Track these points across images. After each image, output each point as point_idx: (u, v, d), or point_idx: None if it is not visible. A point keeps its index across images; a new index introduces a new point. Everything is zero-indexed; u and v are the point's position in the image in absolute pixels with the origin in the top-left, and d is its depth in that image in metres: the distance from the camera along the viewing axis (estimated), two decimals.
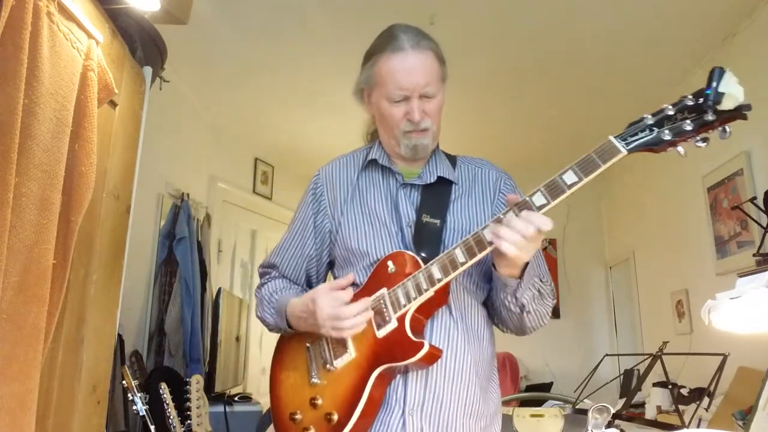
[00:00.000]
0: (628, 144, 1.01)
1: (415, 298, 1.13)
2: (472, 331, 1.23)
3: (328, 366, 1.20)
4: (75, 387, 1.47)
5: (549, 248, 5.42)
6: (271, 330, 1.36)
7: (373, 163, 1.33)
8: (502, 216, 1.08)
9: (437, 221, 1.24)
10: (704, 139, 0.98)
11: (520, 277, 1.14)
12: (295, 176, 5.33)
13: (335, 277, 1.37)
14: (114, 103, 1.63)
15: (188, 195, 3.63)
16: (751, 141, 2.90)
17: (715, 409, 2.44)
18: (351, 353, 1.18)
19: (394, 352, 1.13)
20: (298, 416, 1.21)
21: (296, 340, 1.29)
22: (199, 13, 2.48)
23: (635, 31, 3.09)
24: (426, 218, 1.24)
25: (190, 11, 1.98)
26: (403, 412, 1.16)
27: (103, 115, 1.53)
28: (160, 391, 2.25)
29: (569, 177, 1.03)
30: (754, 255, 2.48)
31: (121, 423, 2.46)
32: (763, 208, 2.55)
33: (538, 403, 3.01)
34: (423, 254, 1.18)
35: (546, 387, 4.75)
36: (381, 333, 1.15)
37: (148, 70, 1.87)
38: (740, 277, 1.76)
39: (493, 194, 1.31)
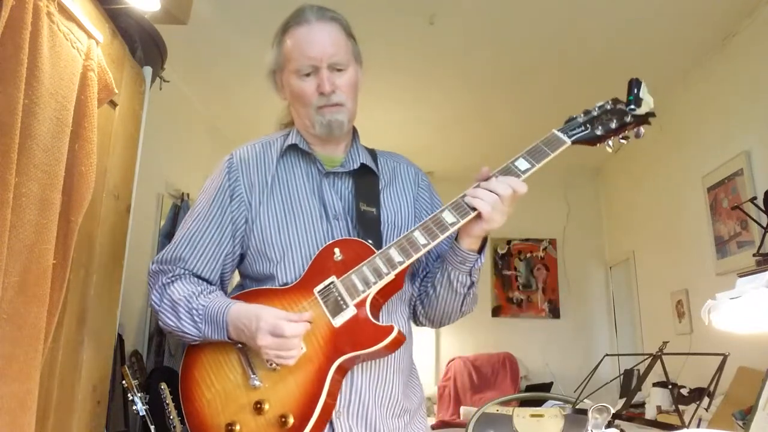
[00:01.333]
0: (570, 136, 1.17)
1: (375, 283, 1.08)
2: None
3: (270, 364, 1.08)
4: (75, 387, 1.47)
5: (549, 248, 5.42)
6: (183, 339, 1.17)
7: (293, 148, 1.25)
8: (459, 199, 1.12)
9: (373, 210, 1.21)
10: (625, 138, 1.18)
11: (479, 252, 1.16)
12: None
13: (241, 275, 1.27)
14: (114, 103, 1.63)
15: (188, 195, 3.63)
16: (751, 141, 2.90)
17: (715, 409, 2.45)
18: (301, 347, 1.07)
19: (357, 339, 1.06)
20: (238, 427, 1.06)
21: (215, 343, 1.14)
22: (199, 13, 2.48)
23: (635, 31, 3.09)
24: (363, 206, 1.20)
25: (190, 11, 1.98)
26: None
27: (103, 115, 1.53)
28: (160, 391, 2.25)
29: (522, 164, 1.14)
30: (754, 255, 2.48)
31: (121, 423, 2.46)
32: (763, 208, 2.55)
33: (538, 403, 3.01)
34: (370, 241, 1.14)
35: (546, 387, 4.75)
36: (338, 321, 1.07)
37: (148, 70, 1.87)
38: (740, 277, 1.76)
39: (413, 188, 1.33)
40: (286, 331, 1.02)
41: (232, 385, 1.11)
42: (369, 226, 1.18)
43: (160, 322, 1.19)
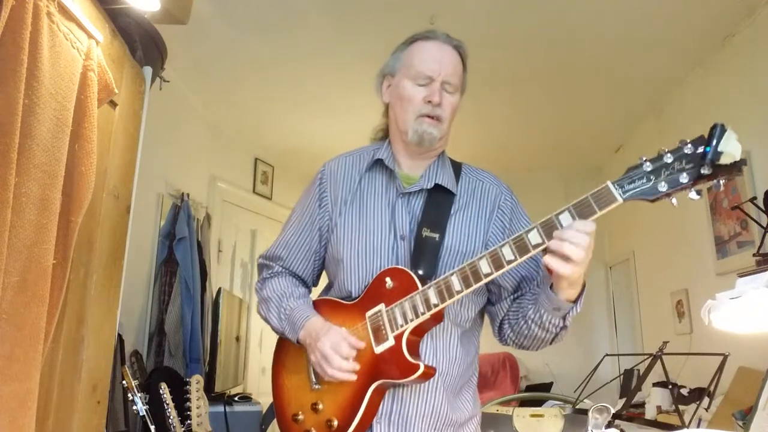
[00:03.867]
0: (624, 192, 1.04)
1: (412, 320, 1.15)
2: (441, 350, 1.24)
3: None
4: (75, 387, 1.47)
5: None
6: (273, 331, 1.37)
7: (379, 163, 1.33)
8: (498, 249, 1.08)
9: (436, 236, 1.24)
10: (698, 192, 1.00)
11: (575, 301, 1.13)
12: (295, 176, 5.32)
13: (330, 276, 1.39)
14: (114, 103, 1.63)
15: (188, 195, 3.63)
16: (751, 141, 2.90)
17: (715, 409, 2.44)
18: (353, 373, 1.21)
19: (391, 369, 1.16)
20: (300, 417, 1.26)
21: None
22: (199, 13, 2.48)
23: (635, 32, 3.09)
24: (426, 232, 1.24)
25: (190, 11, 1.98)
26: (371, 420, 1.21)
27: (103, 115, 1.53)
28: (160, 391, 2.25)
29: (565, 218, 1.05)
30: (754, 255, 2.48)
31: (121, 423, 2.46)
32: (763, 208, 2.55)
33: (538, 403, 3.01)
34: (420, 272, 1.19)
35: (546, 387, 4.75)
36: (379, 349, 1.18)
37: (148, 70, 1.87)
38: (740, 277, 1.76)
39: (491, 210, 1.30)
40: (333, 362, 1.17)
41: (300, 383, 1.29)
42: (427, 252, 1.22)
43: (258, 310, 1.39)
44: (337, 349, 1.17)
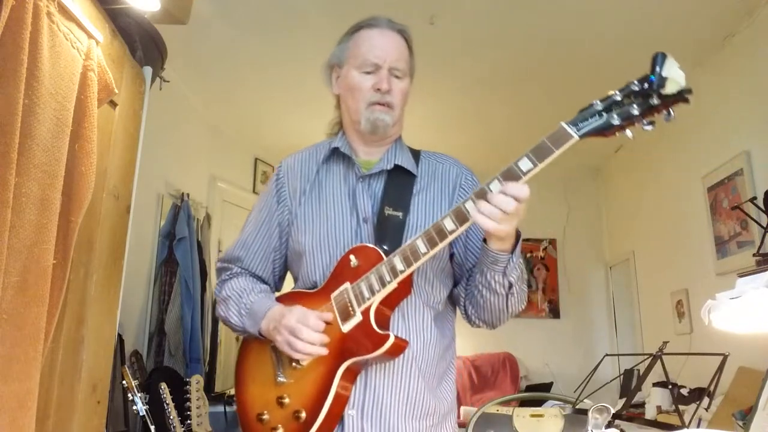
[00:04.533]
0: (579, 129, 1.05)
1: (378, 291, 1.12)
2: (415, 330, 1.21)
3: (294, 364, 1.19)
4: (75, 387, 1.47)
5: (549, 248, 5.42)
6: (232, 329, 1.31)
7: (335, 152, 1.32)
8: (461, 205, 1.08)
9: (399, 214, 1.22)
10: (650, 122, 1.03)
11: (512, 252, 1.13)
12: None
13: (293, 273, 1.36)
14: (114, 103, 1.63)
15: (188, 195, 3.63)
16: (751, 141, 2.90)
17: (715, 409, 2.45)
18: (324, 350, 1.16)
19: (360, 345, 1.12)
20: (266, 416, 1.19)
21: (260, 341, 1.26)
22: (199, 13, 2.48)
23: (635, 32, 3.09)
24: (389, 211, 1.23)
25: (190, 11, 1.98)
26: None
27: (103, 115, 1.53)
28: (160, 391, 2.26)
29: (524, 164, 1.05)
30: (754, 255, 2.48)
31: (121, 423, 2.46)
32: (763, 208, 2.55)
33: (538, 403, 3.01)
34: (385, 247, 1.16)
35: (546, 387, 4.75)
36: (346, 327, 1.14)
37: (148, 70, 1.87)
38: (740, 277, 1.76)
39: (452, 189, 1.30)
40: (302, 333, 1.12)
41: (264, 379, 1.23)
42: (391, 230, 1.20)
43: (217, 313, 1.35)
44: (304, 321, 1.13)
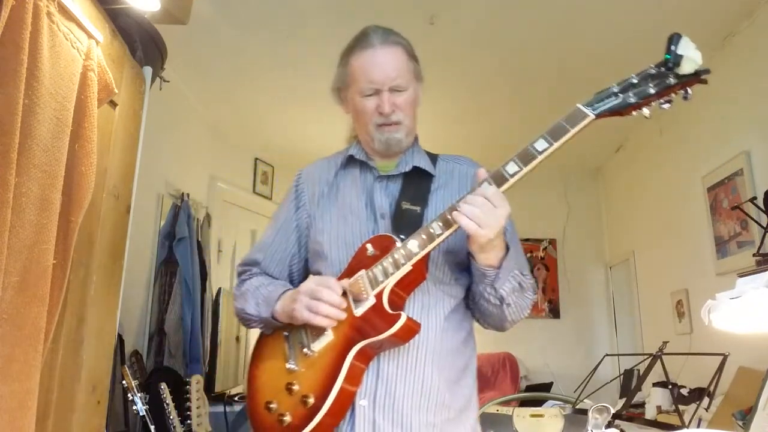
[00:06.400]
0: (595, 109, 1.06)
1: (392, 274, 1.13)
2: (430, 321, 1.21)
3: (305, 350, 1.18)
4: (75, 387, 1.47)
5: (549, 248, 5.42)
6: (248, 324, 1.33)
7: (352, 159, 1.35)
8: (476, 187, 1.10)
9: (417, 208, 1.25)
10: (668, 101, 1.04)
11: (498, 267, 1.15)
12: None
13: (314, 274, 1.37)
14: (114, 103, 1.63)
15: (188, 195, 3.63)
16: (751, 141, 2.90)
17: (715, 409, 2.45)
18: (329, 335, 1.16)
19: (372, 327, 1.12)
20: (274, 405, 1.18)
21: (275, 333, 1.28)
22: (199, 13, 2.48)
23: (635, 32, 3.09)
24: (406, 205, 1.25)
25: (190, 11, 1.98)
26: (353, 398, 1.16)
27: (103, 115, 1.53)
28: (160, 391, 2.25)
29: (540, 144, 1.07)
30: (754, 255, 2.48)
31: (121, 423, 2.46)
32: (763, 208, 2.55)
33: (538, 403, 3.01)
34: (402, 237, 1.17)
35: (546, 387, 4.75)
36: (359, 311, 1.14)
37: (148, 70, 1.87)
38: (740, 277, 1.76)
39: (471, 187, 1.32)
40: (323, 295, 1.12)
41: (275, 369, 1.23)
42: (408, 223, 1.22)
43: (234, 309, 1.37)
44: (325, 283, 1.14)
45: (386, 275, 1.13)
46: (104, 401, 1.65)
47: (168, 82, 2.30)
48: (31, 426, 1.13)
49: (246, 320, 1.32)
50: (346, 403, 1.13)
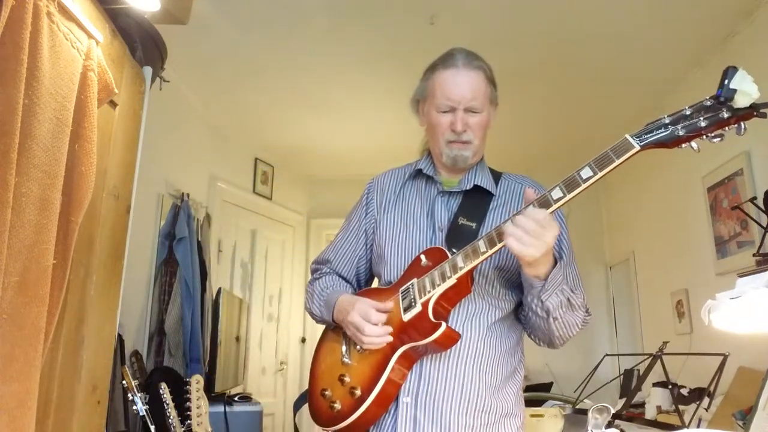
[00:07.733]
0: (642, 141, 1.08)
1: (439, 285, 1.20)
2: (473, 329, 1.28)
3: (358, 347, 1.30)
4: (75, 387, 1.47)
5: None
6: (317, 321, 1.48)
7: (419, 172, 1.45)
8: (524, 208, 1.13)
9: (473, 224, 1.32)
10: (718, 136, 1.01)
11: (545, 279, 1.18)
12: (295, 176, 5.32)
13: (376, 275, 1.50)
14: (114, 103, 1.63)
15: (188, 195, 3.63)
16: (751, 141, 2.90)
17: (715, 409, 2.44)
18: (388, 337, 1.26)
19: (416, 332, 1.21)
20: (328, 392, 1.32)
21: (336, 328, 1.41)
22: (199, 13, 2.48)
23: (636, 32, 3.09)
24: (462, 220, 1.33)
25: (190, 11, 1.98)
26: (398, 396, 1.26)
27: (103, 115, 1.53)
28: (160, 391, 2.25)
29: (585, 172, 1.10)
30: (754, 255, 2.48)
31: (121, 423, 2.46)
32: (763, 208, 2.55)
33: (538, 403, 3.01)
34: (454, 250, 1.24)
35: (546, 387, 4.75)
36: (407, 316, 1.23)
37: (148, 70, 1.87)
38: (740, 277, 1.76)
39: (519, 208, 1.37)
40: (365, 329, 1.23)
41: (332, 361, 1.37)
42: (463, 238, 1.28)
43: (305, 305, 1.53)
44: (366, 317, 1.24)
45: (434, 285, 1.21)
46: (104, 401, 1.65)
47: (168, 82, 2.30)
48: (31, 426, 1.13)
49: (313, 317, 1.48)
50: (389, 397, 1.24)
